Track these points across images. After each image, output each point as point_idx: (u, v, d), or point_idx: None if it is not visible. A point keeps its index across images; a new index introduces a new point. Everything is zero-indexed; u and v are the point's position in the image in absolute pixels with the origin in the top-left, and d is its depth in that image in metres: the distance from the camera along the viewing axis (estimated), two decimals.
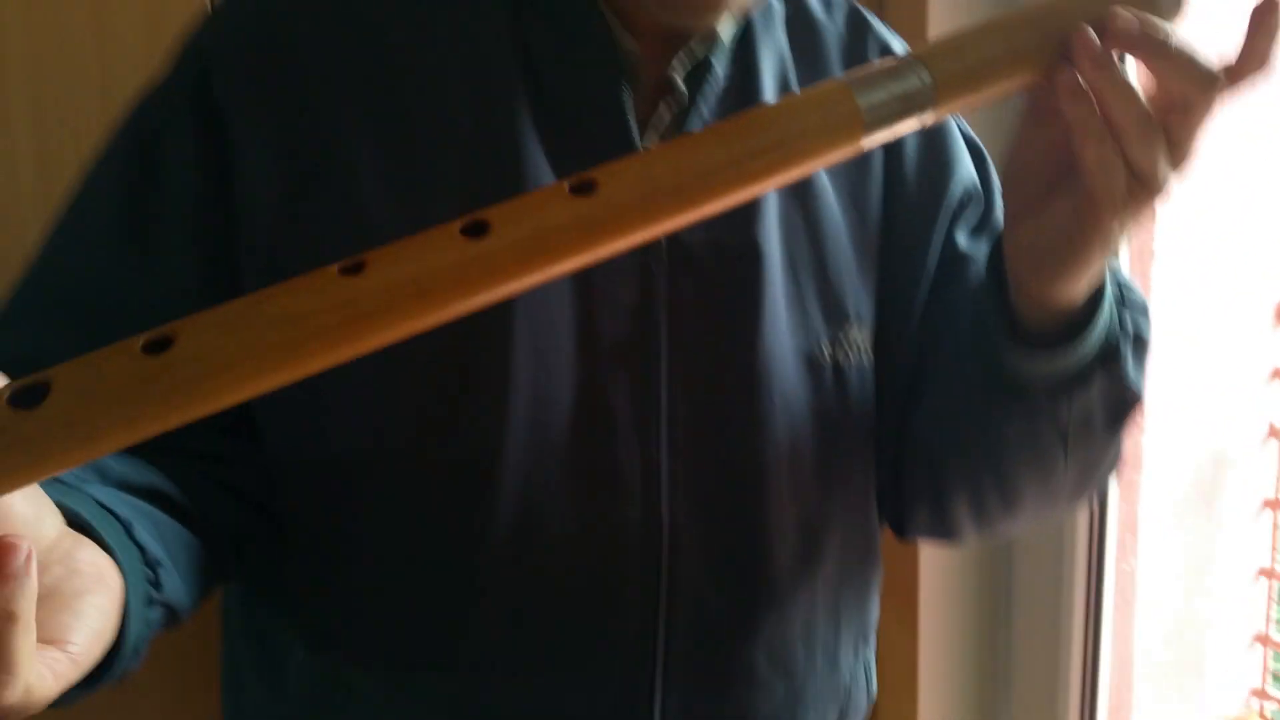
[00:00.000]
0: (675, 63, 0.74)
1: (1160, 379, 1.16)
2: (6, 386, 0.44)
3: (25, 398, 0.43)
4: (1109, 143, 0.61)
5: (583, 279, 0.72)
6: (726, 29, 0.76)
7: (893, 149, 0.83)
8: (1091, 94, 0.60)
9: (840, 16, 0.87)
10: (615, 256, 0.54)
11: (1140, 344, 0.74)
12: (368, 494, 0.72)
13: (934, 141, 0.85)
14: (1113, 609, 1.28)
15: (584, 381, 0.74)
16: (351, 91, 0.71)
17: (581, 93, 0.73)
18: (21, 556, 0.44)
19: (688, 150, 0.54)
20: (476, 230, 0.49)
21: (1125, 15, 0.60)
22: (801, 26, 0.84)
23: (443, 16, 0.74)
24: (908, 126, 0.59)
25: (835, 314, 0.80)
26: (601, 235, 0.52)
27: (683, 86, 0.75)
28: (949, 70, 0.59)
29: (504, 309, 0.68)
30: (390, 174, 0.70)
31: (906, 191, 0.84)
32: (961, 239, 0.84)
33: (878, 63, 0.59)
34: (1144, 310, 0.76)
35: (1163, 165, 0.62)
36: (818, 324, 0.79)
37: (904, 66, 0.58)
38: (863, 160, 0.81)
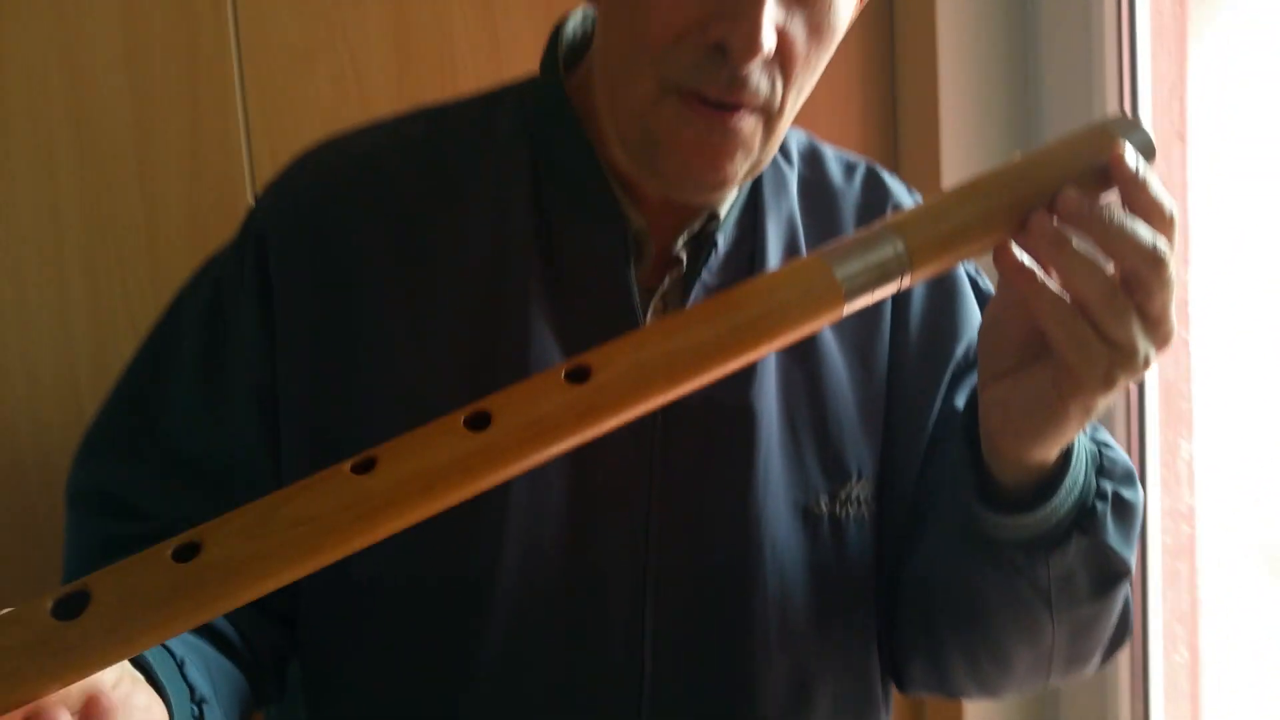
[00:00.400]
0: (679, 239, 0.81)
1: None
2: (48, 597, 0.48)
3: (67, 609, 0.47)
4: (1077, 319, 0.61)
5: None
6: (728, 200, 0.83)
7: (901, 307, 0.87)
8: (1055, 270, 0.62)
9: (858, 181, 0.92)
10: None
11: (1124, 509, 0.74)
12: (377, 608, 0.80)
13: (943, 299, 0.88)
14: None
15: (576, 530, 0.78)
16: (386, 267, 0.79)
17: (590, 262, 0.79)
18: None
19: (676, 330, 0.59)
20: (478, 422, 0.54)
21: (1070, 196, 0.61)
22: (817, 190, 0.89)
23: (473, 185, 0.82)
24: (886, 291, 0.62)
25: (835, 470, 0.82)
26: (596, 418, 0.56)
27: (685, 261, 0.81)
28: (922, 238, 0.61)
29: None
30: (415, 341, 0.78)
31: (912, 350, 0.86)
32: (960, 398, 0.85)
33: (854, 234, 0.63)
34: (1128, 476, 0.76)
35: (1140, 339, 0.61)
36: (816, 479, 0.82)
37: (878, 237, 0.61)
38: (871, 317, 0.85)
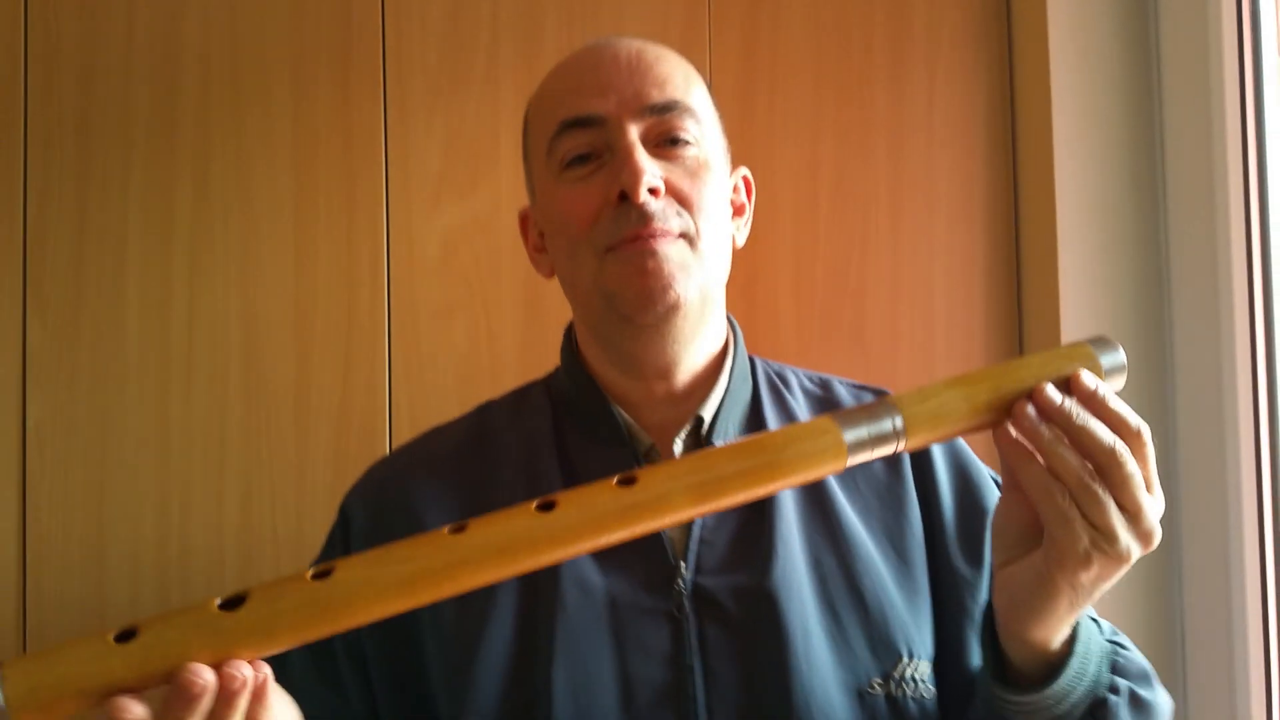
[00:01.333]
0: (678, 441, 0.92)
1: None
2: (217, 597, 0.63)
3: (229, 604, 0.62)
4: (1061, 494, 0.71)
5: (615, 629, 0.85)
6: (713, 402, 0.94)
7: (932, 503, 0.94)
8: (1039, 451, 0.72)
9: (867, 396, 1.02)
10: (642, 608, 0.80)
11: (1141, 706, 0.81)
12: None
13: (971, 492, 0.96)
14: None
15: None
16: (436, 520, 0.89)
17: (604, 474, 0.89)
18: (199, 687, 0.60)
19: (707, 460, 0.71)
20: (547, 508, 0.66)
21: (1043, 391, 0.73)
22: (824, 402, 1.00)
23: (508, 441, 0.96)
24: (883, 453, 0.73)
25: (885, 651, 0.87)
26: (641, 517, 0.68)
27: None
28: (916, 414, 0.73)
29: (545, 661, 0.84)
30: None
31: (949, 541, 0.93)
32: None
33: (862, 404, 0.74)
34: (1144, 676, 0.83)
35: (1120, 527, 0.71)
36: (865, 661, 0.86)
37: (881, 409, 0.73)
38: (898, 510, 0.93)
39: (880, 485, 0.95)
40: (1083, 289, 1.43)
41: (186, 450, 1.35)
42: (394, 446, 1.37)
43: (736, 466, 0.70)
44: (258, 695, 0.64)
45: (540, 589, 0.87)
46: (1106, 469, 0.71)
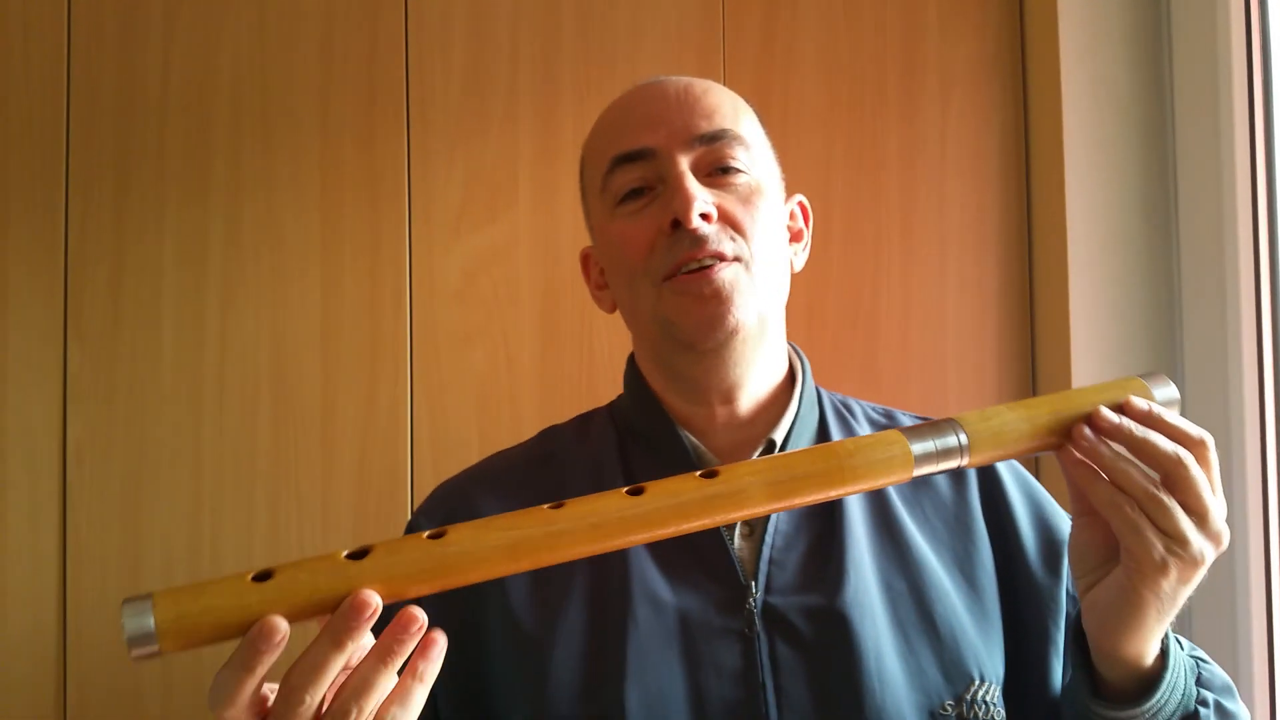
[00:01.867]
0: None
1: None
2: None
3: (355, 555, 0.68)
4: (1129, 507, 0.75)
5: (687, 647, 0.86)
6: (784, 426, 0.95)
7: (1008, 531, 0.96)
8: (1104, 469, 0.76)
9: None
10: (713, 627, 0.84)
11: (1226, 716, 0.83)
12: None
13: (1044, 520, 0.98)
14: None
15: None
16: None
17: None
18: (370, 608, 0.65)
19: (783, 461, 0.75)
20: (636, 492, 0.72)
21: (1102, 412, 0.77)
22: (886, 426, 1.01)
23: (581, 461, 0.98)
24: (947, 467, 0.77)
25: (957, 674, 0.88)
26: (721, 508, 0.72)
27: None
28: (979, 431, 0.77)
29: (618, 678, 0.85)
30: (537, 590, 0.91)
31: (1028, 567, 0.95)
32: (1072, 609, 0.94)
33: (929, 421, 0.78)
34: (1227, 689, 0.86)
35: (1191, 532, 0.74)
36: (937, 682, 0.88)
37: (946, 425, 0.77)
38: (966, 539, 0.95)
39: (948, 514, 0.96)
40: (1094, 321, 1.44)
41: (218, 467, 1.42)
42: (414, 465, 1.43)
43: (809, 468, 0.74)
44: (424, 648, 0.68)
45: (611, 606, 0.89)
46: (1173, 476, 0.74)
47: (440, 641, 0.69)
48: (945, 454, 0.76)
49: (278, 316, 1.43)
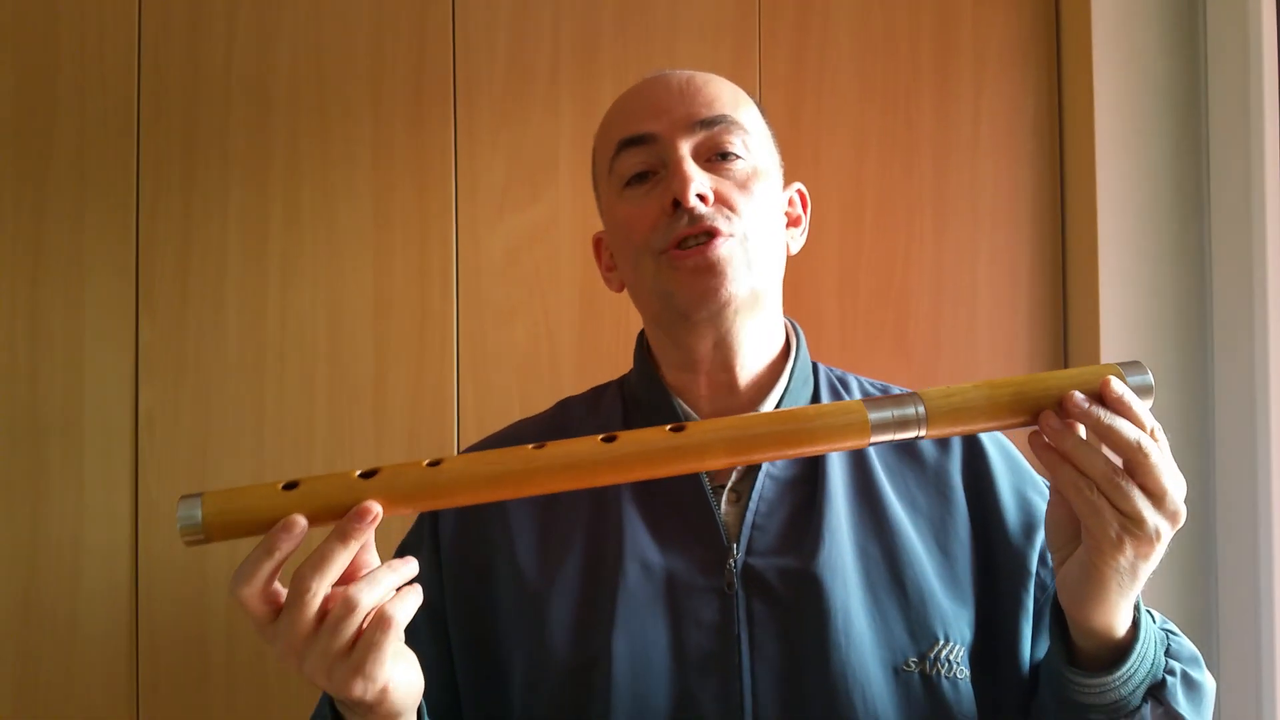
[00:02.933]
0: None
1: None
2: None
3: (365, 475, 0.78)
4: (1089, 489, 0.79)
5: (671, 603, 0.93)
6: (773, 398, 1.01)
7: (988, 504, 1.01)
8: (1066, 452, 0.80)
9: None
10: (696, 586, 0.92)
11: (1193, 685, 0.88)
12: None
13: (1024, 495, 1.03)
14: None
15: (678, 690, 0.92)
16: (517, 505, 1.01)
17: None
18: (372, 514, 0.75)
19: (747, 421, 0.82)
20: (610, 440, 0.80)
21: (1073, 397, 0.81)
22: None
23: (586, 430, 1.02)
24: (904, 437, 0.82)
25: (922, 634, 0.94)
26: (684, 459, 0.80)
27: None
28: (938, 406, 0.82)
29: (607, 628, 0.93)
30: (540, 551, 0.99)
31: (1006, 538, 1.00)
32: (1047, 579, 0.99)
33: (891, 394, 0.85)
34: (1194, 659, 0.91)
35: (1147, 511, 0.79)
36: (903, 641, 0.94)
37: (906, 398, 0.82)
38: (944, 509, 1.00)
39: (929, 484, 1.01)
40: (1124, 299, 1.47)
41: (278, 435, 1.51)
42: (460, 433, 1.51)
43: (770, 429, 0.81)
44: (404, 591, 0.78)
45: (605, 565, 0.96)
46: (1133, 461, 0.79)
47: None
48: (902, 424, 0.81)
49: (333, 293, 1.51)
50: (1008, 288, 1.54)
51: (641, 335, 1.09)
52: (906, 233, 1.55)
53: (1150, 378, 0.84)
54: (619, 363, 1.46)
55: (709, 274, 0.94)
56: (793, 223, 1.07)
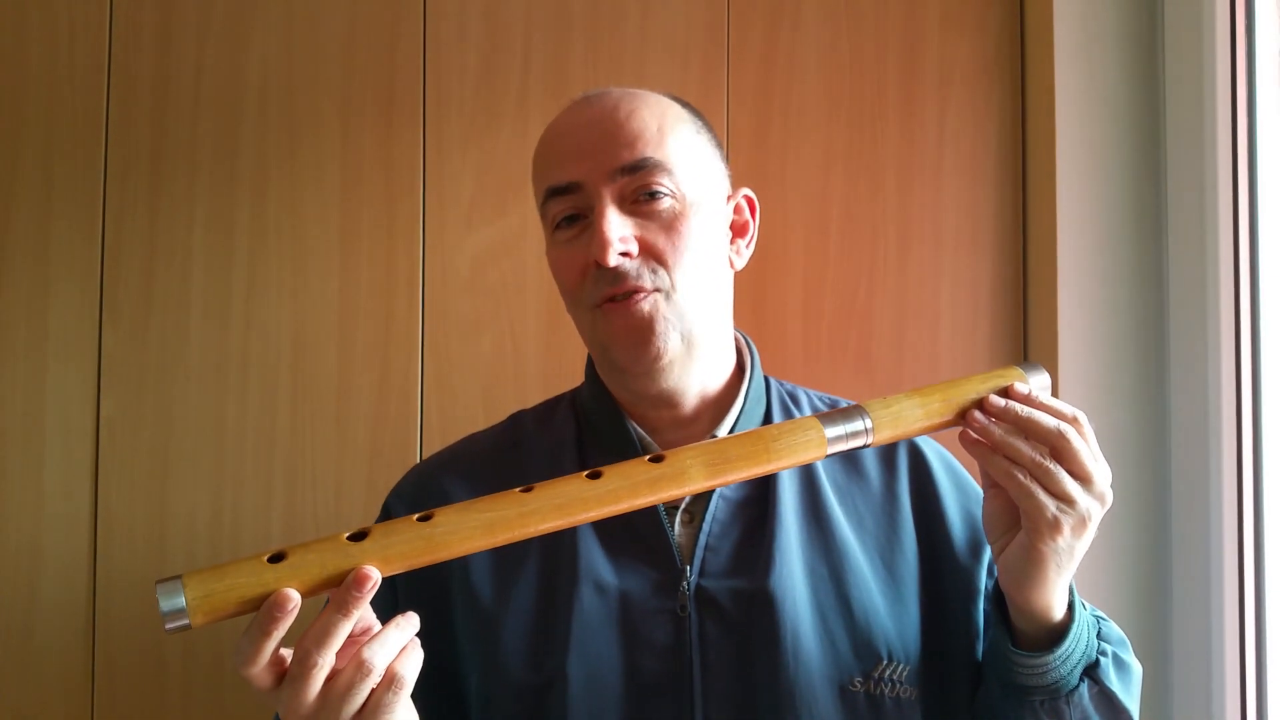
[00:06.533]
0: None
1: None
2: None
3: (355, 538, 0.77)
4: (1023, 476, 0.86)
5: (625, 625, 0.94)
6: (728, 422, 1.02)
7: (935, 524, 1.03)
8: (995, 445, 0.88)
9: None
10: (649, 608, 0.94)
11: (1122, 666, 0.93)
12: None
13: (970, 507, 1.05)
14: None
15: (631, 712, 0.93)
16: None
17: None
18: (371, 580, 0.74)
19: (718, 445, 0.86)
20: (595, 476, 0.82)
21: (991, 398, 0.89)
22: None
23: (536, 450, 1.06)
24: (857, 445, 0.89)
25: (867, 653, 0.96)
26: (667, 486, 0.83)
27: None
28: (881, 416, 0.90)
29: (561, 650, 0.93)
30: (495, 570, 0.99)
31: (955, 552, 1.03)
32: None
33: (839, 408, 0.90)
34: (1123, 642, 0.96)
35: (1078, 494, 0.85)
36: (848, 660, 0.95)
37: (854, 412, 0.89)
38: (891, 530, 1.03)
39: (876, 505, 1.03)
40: (1082, 319, 1.49)
41: (239, 444, 1.50)
42: (424, 445, 1.51)
43: (740, 450, 0.86)
44: (409, 648, 0.79)
45: (560, 586, 0.97)
46: (1057, 447, 0.85)
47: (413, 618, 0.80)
48: (853, 435, 0.89)
49: (298, 303, 1.51)
50: (969, 308, 1.56)
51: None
52: (870, 252, 1.56)
53: (1047, 377, 0.94)
54: (581, 376, 1.47)
55: (637, 330, 0.96)
56: (739, 232, 1.07)
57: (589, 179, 0.97)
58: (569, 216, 0.99)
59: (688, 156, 0.99)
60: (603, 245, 0.94)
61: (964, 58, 1.58)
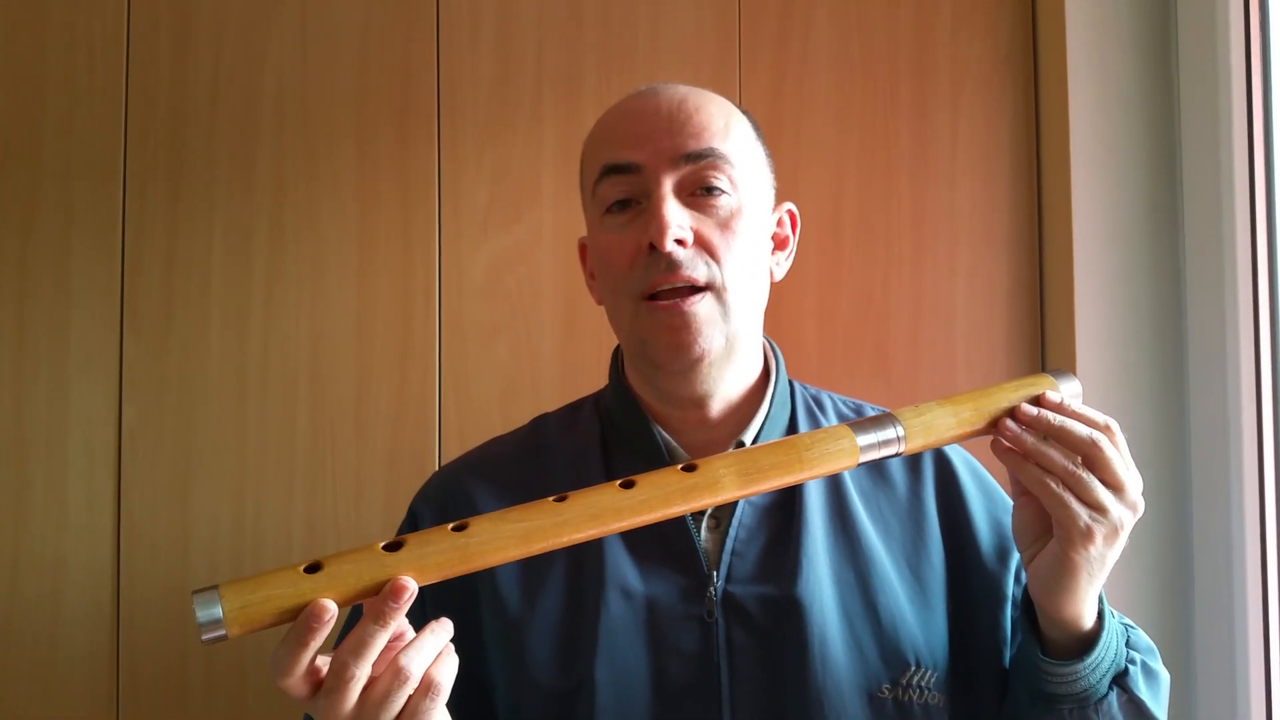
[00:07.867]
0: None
1: None
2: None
3: (390, 548, 0.76)
4: (1056, 485, 0.85)
5: (652, 631, 0.94)
6: (754, 426, 1.02)
7: (963, 530, 1.03)
8: (1028, 454, 0.87)
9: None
10: (677, 614, 0.93)
11: (1151, 674, 0.92)
12: None
13: (997, 515, 1.04)
14: None
15: (662, 709, 0.92)
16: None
17: None
18: (408, 591, 0.73)
19: (751, 454, 0.85)
20: (629, 485, 0.81)
21: (1023, 407, 0.88)
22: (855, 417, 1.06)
23: (560, 456, 1.05)
24: (889, 454, 0.88)
25: (895, 660, 0.95)
26: (699, 495, 0.82)
27: None
28: (913, 425, 0.88)
29: (589, 655, 0.93)
30: (522, 576, 0.98)
31: (982, 559, 1.02)
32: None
33: (870, 416, 0.88)
34: (1151, 651, 0.95)
35: (1110, 502, 0.84)
36: (876, 667, 0.95)
37: (886, 420, 0.88)
38: (918, 536, 1.02)
39: (903, 511, 1.02)
40: (1100, 316, 1.48)
41: (260, 452, 1.51)
42: (442, 451, 1.51)
43: (773, 459, 0.85)
44: (444, 654, 0.78)
45: (587, 593, 0.96)
46: (1090, 456, 0.85)
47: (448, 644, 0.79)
48: (885, 444, 0.88)
49: (316, 312, 1.52)
50: (985, 308, 1.56)
51: (617, 351, 1.08)
52: (885, 253, 1.56)
53: (1078, 384, 0.94)
54: (600, 381, 1.46)
55: (684, 330, 0.95)
56: (780, 245, 1.07)
57: (651, 162, 0.96)
58: (621, 201, 0.97)
59: (747, 159, 1.00)
60: (661, 228, 0.92)
61: (976, 58, 1.57)
